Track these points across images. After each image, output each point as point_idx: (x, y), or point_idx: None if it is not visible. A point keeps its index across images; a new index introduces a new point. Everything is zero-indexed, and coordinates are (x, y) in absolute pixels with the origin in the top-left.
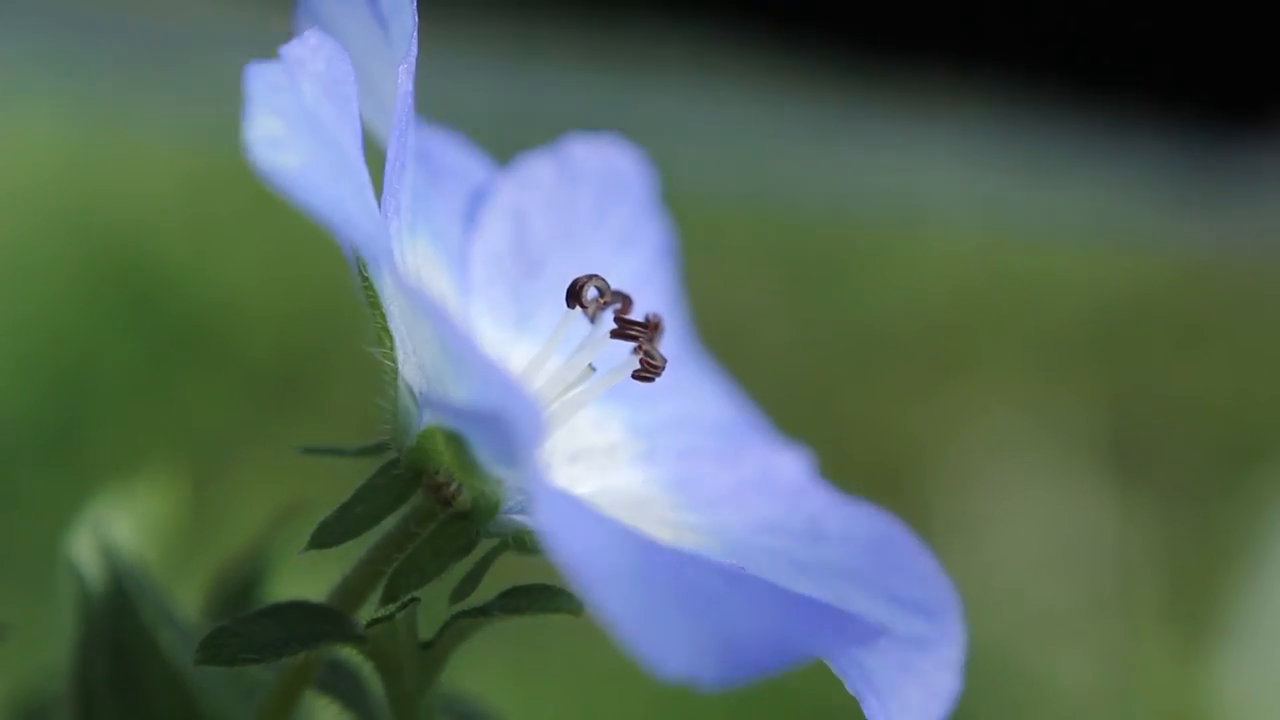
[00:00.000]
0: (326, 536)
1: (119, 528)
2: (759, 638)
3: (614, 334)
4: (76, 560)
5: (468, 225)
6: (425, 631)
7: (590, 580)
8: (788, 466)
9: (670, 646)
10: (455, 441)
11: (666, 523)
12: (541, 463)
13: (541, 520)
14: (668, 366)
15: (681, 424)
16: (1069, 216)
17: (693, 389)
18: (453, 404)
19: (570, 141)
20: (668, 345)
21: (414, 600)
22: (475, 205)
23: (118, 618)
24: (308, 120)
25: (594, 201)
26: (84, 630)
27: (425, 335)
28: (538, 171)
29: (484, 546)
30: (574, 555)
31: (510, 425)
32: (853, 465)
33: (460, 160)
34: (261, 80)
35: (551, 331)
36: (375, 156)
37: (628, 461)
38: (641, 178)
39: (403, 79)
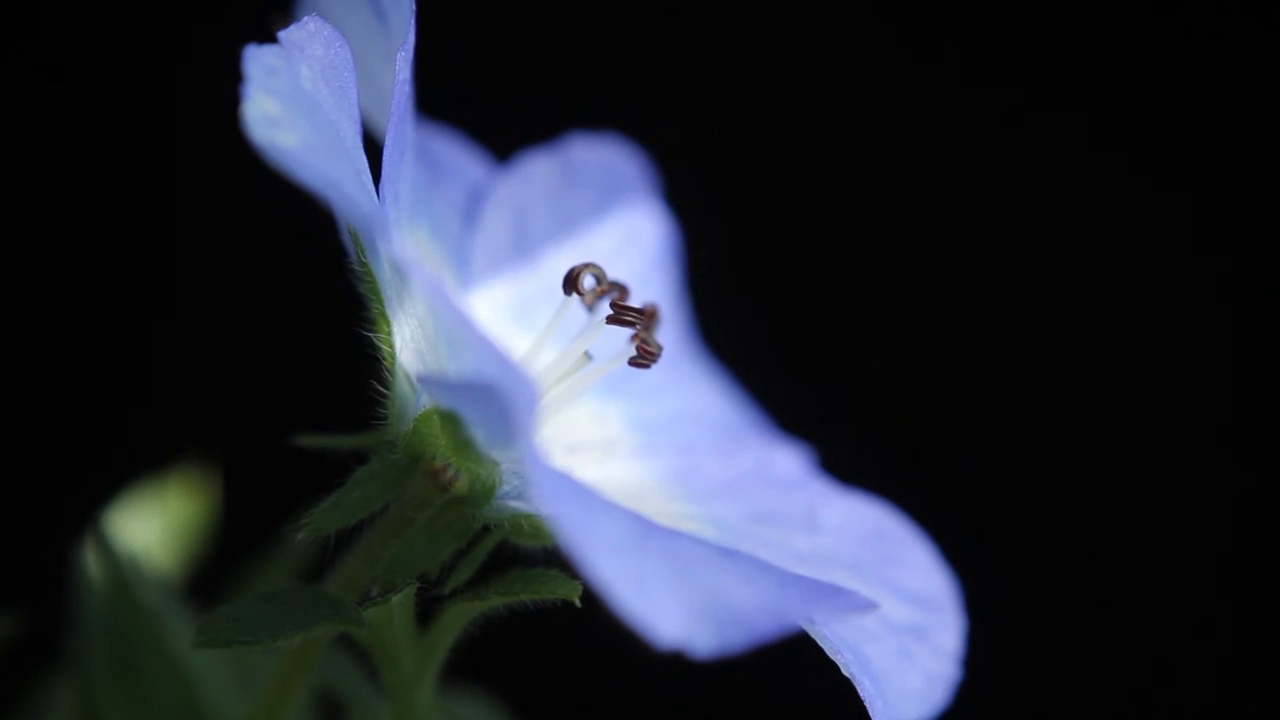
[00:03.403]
0: (324, 522)
1: (137, 524)
2: (752, 604)
3: (610, 320)
4: (80, 552)
5: (467, 220)
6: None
7: (586, 551)
8: (785, 460)
9: (665, 614)
10: (451, 421)
11: (664, 513)
12: (537, 437)
13: (537, 494)
14: (667, 363)
15: (680, 419)
16: None
17: (691, 385)
18: (447, 378)
19: (571, 140)
20: (667, 342)
21: (411, 585)
22: (475, 201)
23: (119, 608)
24: (305, 102)
25: (594, 200)
26: (85, 620)
27: (421, 314)
28: (539, 169)
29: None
30: (570, 527)
31: (505, 398)
32: None
33: (460, 157)
34: (259, 62)
35: (549, 322)
36: (374, 149)
37: (626, 455)
38: (641, 177)
39: (401, 67)
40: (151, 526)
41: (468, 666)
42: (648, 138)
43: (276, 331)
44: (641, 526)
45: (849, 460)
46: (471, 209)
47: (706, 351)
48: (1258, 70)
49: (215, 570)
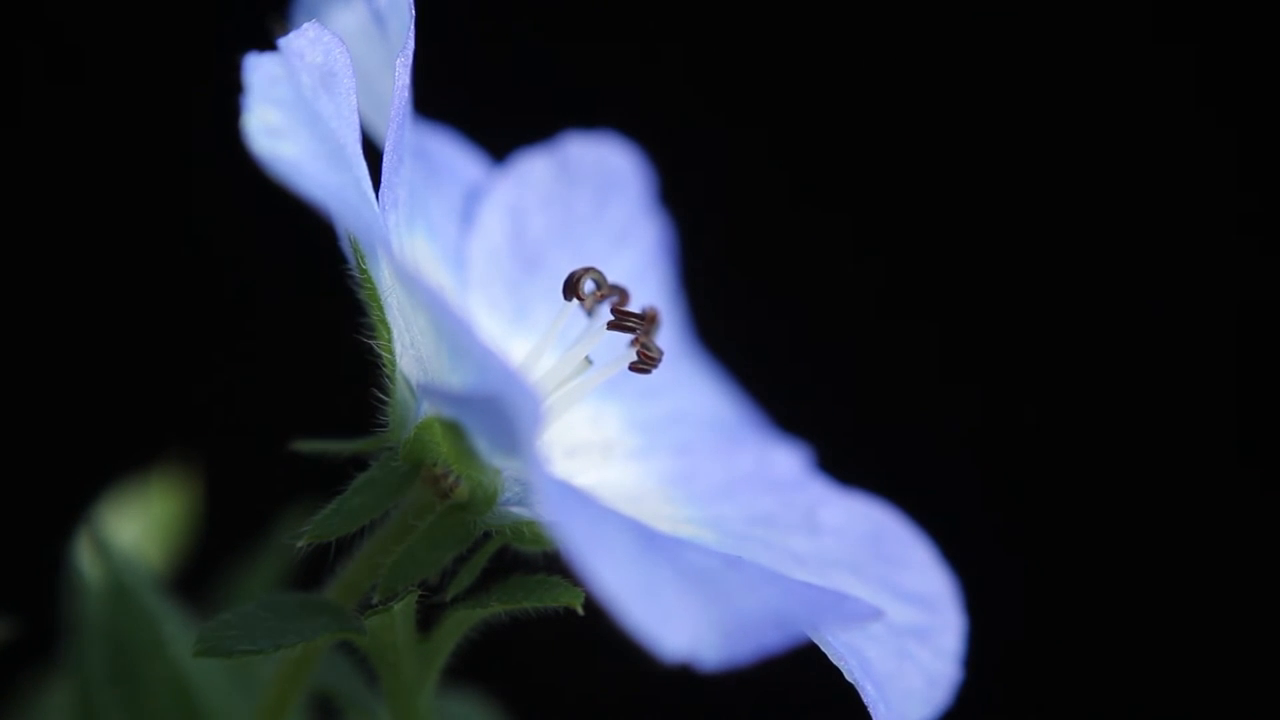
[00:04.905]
0: (325, 528)
1: (120, 521)
2: (758, 616)
3: (611, 326)
4: (77, 556)
5: (465, 222)
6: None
7: (592, 562)
8: (783, 460)
9: (671, 626)
10: (453, 431)
11: (663, 516)
12: (540, 448)
13: (541, 504)
14: (665, 363)
15: (678, 420)
16: None
17: (689, 385)
18: (451, 391)
19: (567, 139)
20: (665, 340)
21: (411, 592)
22: (472, 202)
23: (117, 611)
24: (306, 111)
25: (591, 199)
26: (83, 624)
27: (423, 324)
28: (535, 169)
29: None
30: (575, 538)
31: (508, 409)
32: None
33: (457, 157)
34: (260, 71)
35: (548, 326)
36: (372, 154)
37: (624, 456)
38: (638, 175)
39: (400, 73)
40: (134, 524)
41: (465, 667)
42: (643, 135)
43: (269, 336)
44: (647, 537)
45: (849, 460)
46: (468, 210)
47: (704, 350)
48: None
49: (198, 568)
